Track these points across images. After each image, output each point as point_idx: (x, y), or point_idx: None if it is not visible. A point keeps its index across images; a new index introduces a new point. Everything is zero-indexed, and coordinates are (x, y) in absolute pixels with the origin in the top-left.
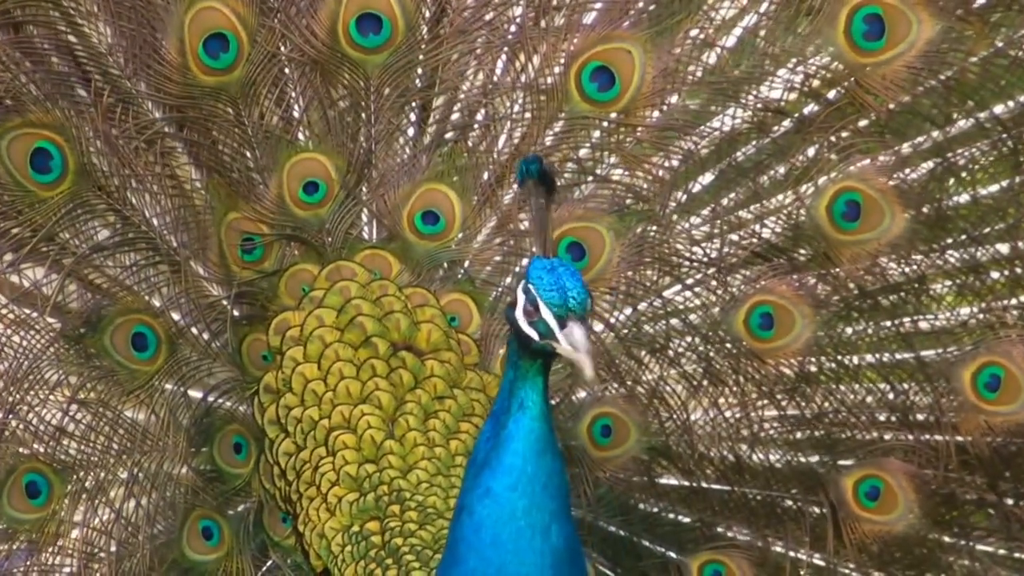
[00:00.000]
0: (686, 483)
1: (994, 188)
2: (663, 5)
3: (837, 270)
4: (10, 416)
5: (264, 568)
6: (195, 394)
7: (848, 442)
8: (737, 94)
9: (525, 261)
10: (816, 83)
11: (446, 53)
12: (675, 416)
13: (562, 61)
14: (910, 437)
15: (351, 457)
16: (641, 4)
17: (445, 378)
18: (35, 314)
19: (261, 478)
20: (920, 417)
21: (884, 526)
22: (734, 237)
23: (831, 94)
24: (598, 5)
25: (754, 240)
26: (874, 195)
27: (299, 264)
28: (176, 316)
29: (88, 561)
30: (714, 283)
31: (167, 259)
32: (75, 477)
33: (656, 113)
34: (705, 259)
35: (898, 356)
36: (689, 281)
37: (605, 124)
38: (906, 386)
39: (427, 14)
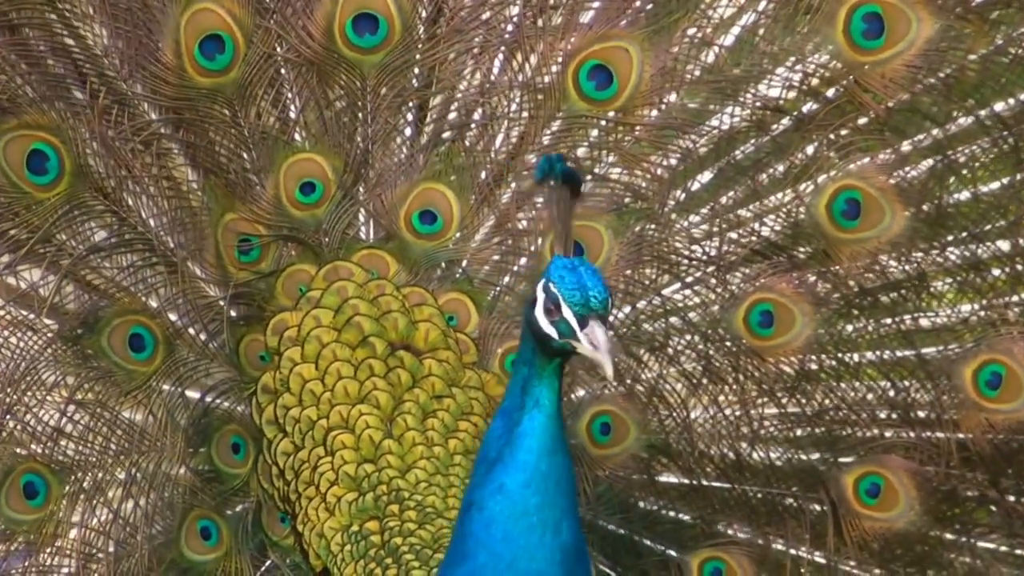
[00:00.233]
0: (686, 481)
1: (995, 185)
2: (660, 4)
3: (837, 268)
4: (7, 417)
5: (263, 568)
6: (193, 394)
7: (849, 439)
8: (736, 93)
9: (523, 260)
10: (815, 81)
11: (443, 52)
12: (675, 414)
13: (560, 60)
14: (911, 434)
15: (349, 457)
16: (639, 3)
17: (443, 377)
18: (32, 315)
19: (259, 478)
20: (921, 414)
21: (885, 523)
22: (733, 235)
23: (830, 92)
24: (596, 4)
25: (753, 238)
26: (874, 193)
27: (296, 264)
28: (173, 317)
29: (86, 561)
30: (713, 281)
31: (164, 260)
32: (73, 478)
33: (654, 112)
34: (704, 257)
35: (899, 354)
36: (688, 279)
37: (603, 123)
38: (907, 383)
39: (423, 14)
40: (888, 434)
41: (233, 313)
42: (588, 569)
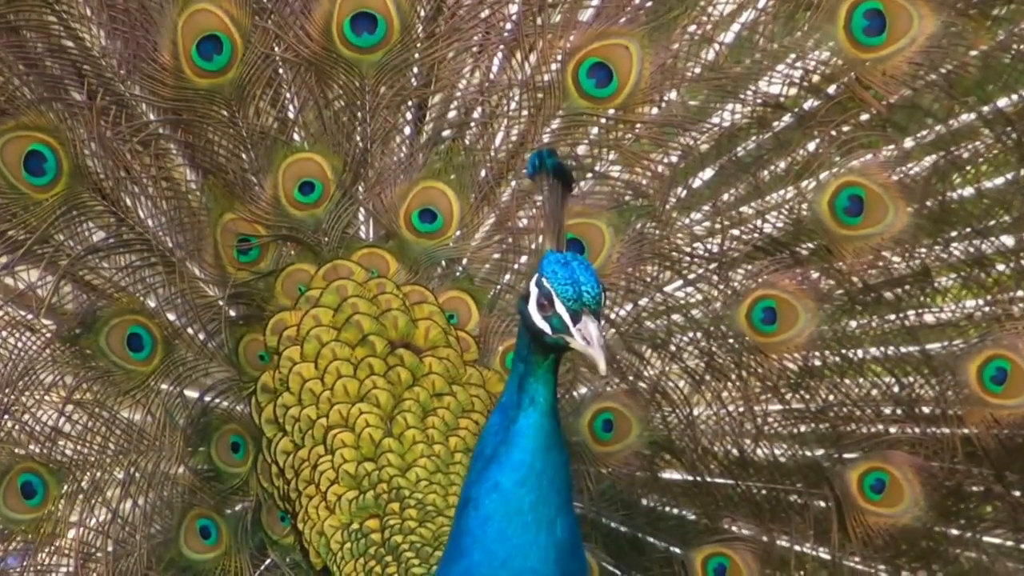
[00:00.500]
0: (689, 478)
1: (999, 181)
2: (660, 1)
3: (840, 264)
4: (5, 417)
5: (263, 567)
6: (192, 394)
7: (853, 435)
8: (736, 90)
9: (524, 258)
10: (816, 78)
11: (442, 51)
12: (678, 411)
13: (559, 58)
14: (916, 430)
15: (350, 455)
16: (638, 0)
17: (444, 375)
18: (30, 316)
19: (259, 477)
20: (926, 410)
21: (889, 519)
22: (735, 232)
23: (831, 89)
24: (595, 1)
25: (755, 235)
26: (877, 190)
27: (295, 264)
28: (172, 317)
29: (85, 561)
30: (715, 278)
31: (163, 260)
32: (71, 477)
33: (654, 109)
34: (706, 255)
35: (903, 349)
36: (691, 276)
37: (603, 121)
38: (911, 379)
39: (422, 13)
40: (893, 430)
41: (232, 313)
42: (583, 566)
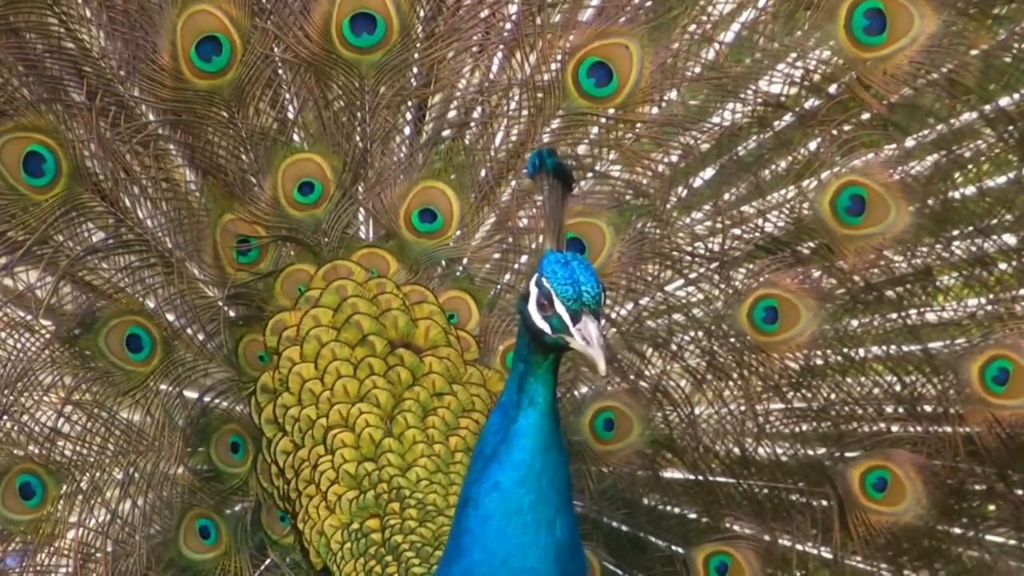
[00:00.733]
0: (691, 477)
1: (1001, 180)
2: (660, 0)
3: (842, 263)
4: (4, 418)
5: (262, 567)
6: (191, 394)
7: (855, 433)
8: (737, 89)
9: (524, 258)
10: (816, 78)
11: (441, 51)
12: (679, 410)
13: (559, 57)
14: (918, 428)
15: (350, 455)
16: (637, 0)
17: (444, 375)
18: (30, 316)
19: (259, 477)
20: (928, 408)
21: (892, 517)
22: (736, 231)
23: (832, 88)
24: (595, 1)
25: (757, 234)
26: (879, 189)
27: (295, 264)
28: (171, 317)
29: (85, 561)
30: (716, 278)
31: (162, 261)
32: (70, 478)
33: (655, 109)
34: (707, 254)
35: (905, 348)
36: (692, 276)
37: (604, 120)
38: (913, 378)
39: (422, 13)
40: (895, 428)
41: (232, 313)
42: (582, 565)
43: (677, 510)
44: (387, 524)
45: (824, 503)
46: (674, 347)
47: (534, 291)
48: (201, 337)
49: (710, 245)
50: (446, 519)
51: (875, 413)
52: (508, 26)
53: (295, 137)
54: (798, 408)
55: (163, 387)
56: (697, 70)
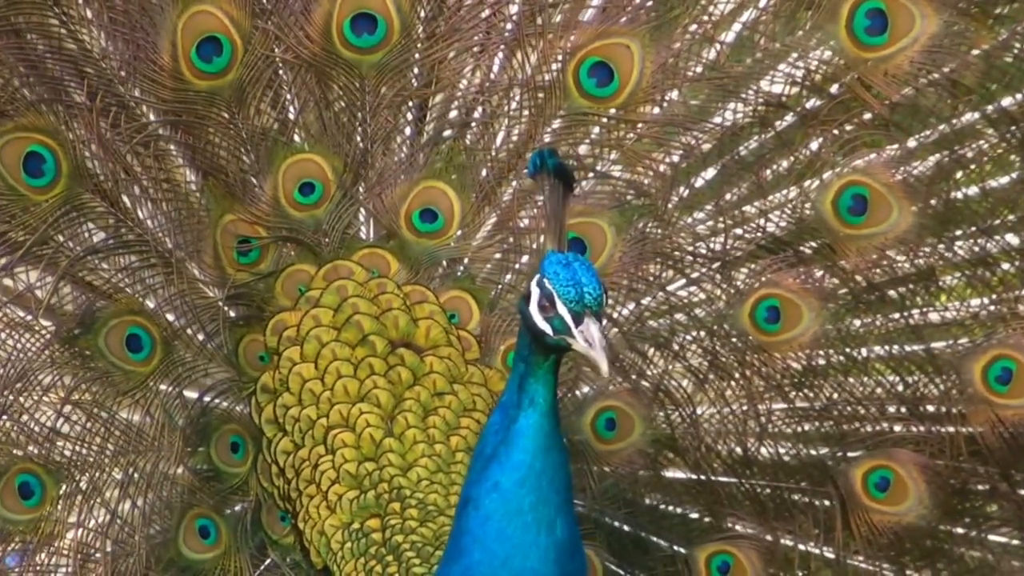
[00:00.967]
0: (693, 476)
1: (1004, 180)
2: (661, 1)
3: (844, 263)
4: (3, 417)
5: (262, 567)
6: (191, 394)
7: (857, 433)
8: (738, 89)
9: (525, 258)
10: (818, 78)
11: (442, 51)
12: (681, 410)
13: (560, 57)
14: (920, 428)
15: (350, 455)
16: (638, 0)
17: (445, 374)
18: (29, 317)
19: (259, 477)
20: (931, 408)
21: (894, 517)
22: (738, 231)
23: (833, 88)
24: (596, 1)
25: (759, 234)
26: (881, 189)
27: (295, 264)
28: (171, 317)
29: (84, 561)
30: (718, 278)
31: (162, 261)
32: (70, 478)
33: (656, 109)
34: (709, 254)
35: (908, 348)
36: (694, 276)
37: (605, 120)
38: (916, 378)
39: (422, 13)
40: (897, 428)
41: (232, 314)
42: (582, 565)
43: (679, 510)
44: (388, 524)
45: (826, 503)
46: (676, 347)
47: (535, 292)
48: (201, 337)
49: (712, 245)
50: (447, 519)
51: (878, 413)
52: (509, 26)
53: (296, 137)
54: (800, 408)
55: (163, 387)
56: (698, 70)
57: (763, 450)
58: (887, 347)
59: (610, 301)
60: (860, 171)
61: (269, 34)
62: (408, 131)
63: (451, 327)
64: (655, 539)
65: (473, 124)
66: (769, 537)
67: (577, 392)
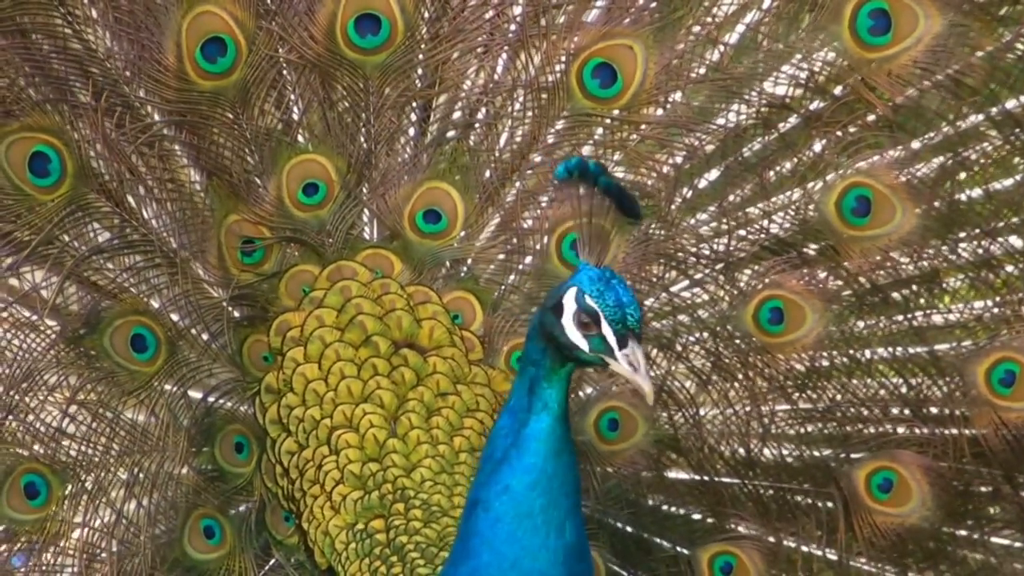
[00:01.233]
0: (696, 477)
1: (1008, 182)
2: (664, 1)
3: (847, 265)
4: (9, 417)
5: (267, 567)
6: (195, 395)
7: (861, 435)
8: (741, 90)
9: (529, 259)
10: (821, 79)
11: (446, 52)
12: (684, 411)
13: (563, 58)
14: (924, 430)
15: (354, 456)
16: (642, 0)
17: (448, 375)
18: (35, 317)
19: (263, 477)
20: (934, 410)
21: (897, 519)
22: (742, 233)
23: (837, 89)
24: (600, 2)
25: (762, 236)
26: (885, 191)
27: (299, 265)
28: (176, 318)
29: (90, 561)
30: (721, 279)
31: (167, 261)
32: (75, 478)
33: (659, 110)
34: (712, 255)
35: (911, 350)
36: (697, 277)
37: (608, 121)
38: (919, 379)
39: (426, 14)
40: (901, 430)
41: (236, 314)
42: (590, 567)
43: (682, 510)
44: (392, 524)
45: (829, 504)
46: (679, 348)
47: (572, 306)
48: (205, 337)
49: (715, 246)
50: (451, 520)
51: (881, 414)
52: (513, 27)
53: (300, 138)
54: (804, 409)
55: (167, 387)
56: (702, 71)
57: (766, 451)
58: (890, 349)
59: None
60: (864, 172)
61: (273, 35)
62: (412, 132)
63: (454, 328)
64: (658, 540)
65: (477, 125)
66: (772, 538)
67: (580, 393)
